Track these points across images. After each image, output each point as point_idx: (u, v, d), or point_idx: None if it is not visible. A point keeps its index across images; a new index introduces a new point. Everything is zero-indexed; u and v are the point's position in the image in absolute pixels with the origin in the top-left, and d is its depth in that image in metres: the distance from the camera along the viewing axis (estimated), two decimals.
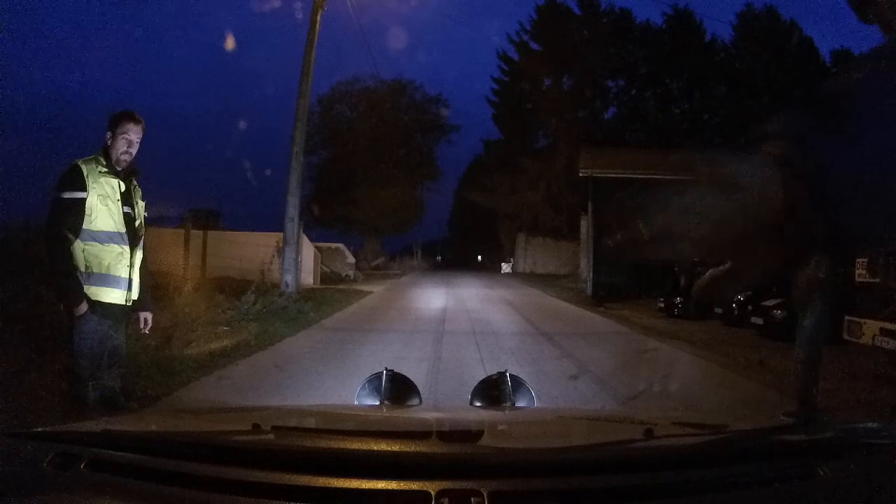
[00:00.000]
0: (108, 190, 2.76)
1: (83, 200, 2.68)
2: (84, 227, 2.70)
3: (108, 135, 2.82)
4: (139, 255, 2.93)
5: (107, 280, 2.77)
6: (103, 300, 2.76)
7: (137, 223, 2.92)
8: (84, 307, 2.69)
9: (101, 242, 2.74)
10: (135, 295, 2.92)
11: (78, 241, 2.70)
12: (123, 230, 2.81)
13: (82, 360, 2.74)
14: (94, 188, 2.71)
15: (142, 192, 3.00)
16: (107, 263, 2.76)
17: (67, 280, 2.69)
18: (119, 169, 2.82)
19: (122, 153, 2.82)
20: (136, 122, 2.86)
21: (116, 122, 2.83)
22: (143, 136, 2.92)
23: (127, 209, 2.83)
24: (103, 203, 2.73)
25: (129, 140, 2.84)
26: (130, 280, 2.86)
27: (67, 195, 2.68)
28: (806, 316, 3.85)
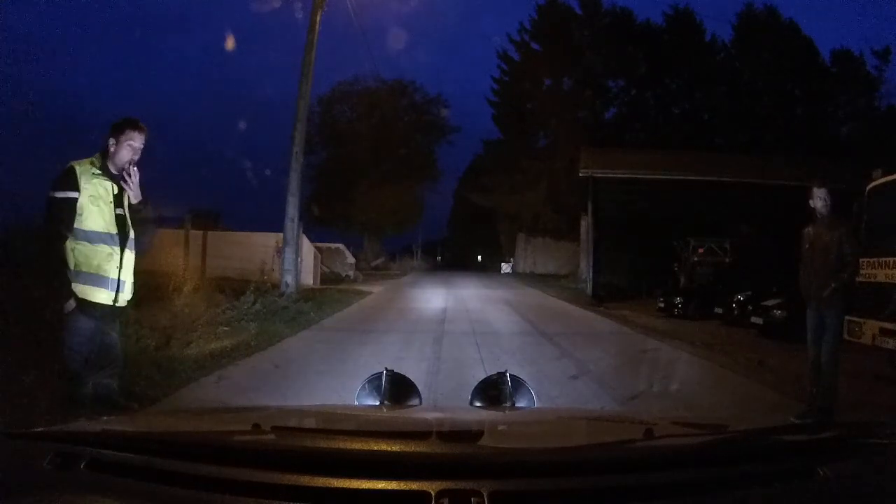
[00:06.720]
0: (101, 191, 2.82)
1: (74, 200, 2.74)
2: (75, 226, 2.75)
3: (112, 141, 2.87)
4: (130, 256, 2.96)
5: (96, 280, 2.81)
6: (91, 299, 2.80)
7: (129, 226, 2.96)
8: (72, 304, 2.74)
9: (92, 242, 2.79)
10: (126, 295, 2.95)
11: (69, 239, 2.75)
12: (115, 231, 2.85)
13: (71, 357, 2.79)
14: (86, 189, 2.77)
15: None
16: (96, 263, 2.80)
17: (56, 276, 2.75)
18: (115, 172, 2.87)
19: (125, 160, 2.88)
20: (141, 131, 2.93)
21: (121, 130, 2.88)
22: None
23: (119, 211, 2.88)
24: (94, 204, 2.78)
25: (134, 148, 2.90)
26: (119, 281, 2.89)
27: (59, 194, 2.75)
28: (827, 316, 3.97)
